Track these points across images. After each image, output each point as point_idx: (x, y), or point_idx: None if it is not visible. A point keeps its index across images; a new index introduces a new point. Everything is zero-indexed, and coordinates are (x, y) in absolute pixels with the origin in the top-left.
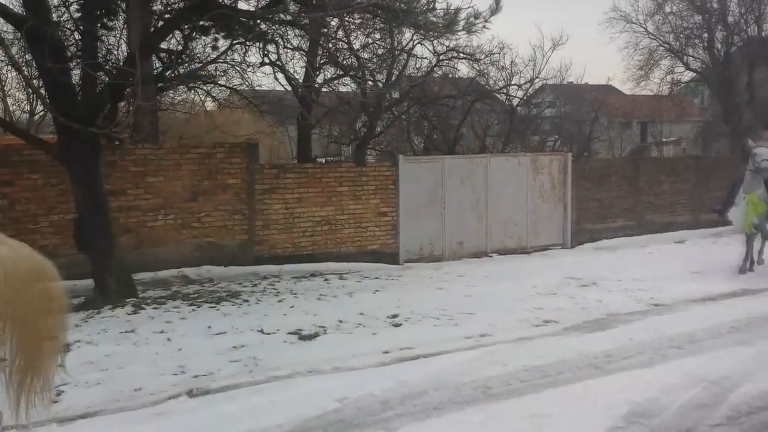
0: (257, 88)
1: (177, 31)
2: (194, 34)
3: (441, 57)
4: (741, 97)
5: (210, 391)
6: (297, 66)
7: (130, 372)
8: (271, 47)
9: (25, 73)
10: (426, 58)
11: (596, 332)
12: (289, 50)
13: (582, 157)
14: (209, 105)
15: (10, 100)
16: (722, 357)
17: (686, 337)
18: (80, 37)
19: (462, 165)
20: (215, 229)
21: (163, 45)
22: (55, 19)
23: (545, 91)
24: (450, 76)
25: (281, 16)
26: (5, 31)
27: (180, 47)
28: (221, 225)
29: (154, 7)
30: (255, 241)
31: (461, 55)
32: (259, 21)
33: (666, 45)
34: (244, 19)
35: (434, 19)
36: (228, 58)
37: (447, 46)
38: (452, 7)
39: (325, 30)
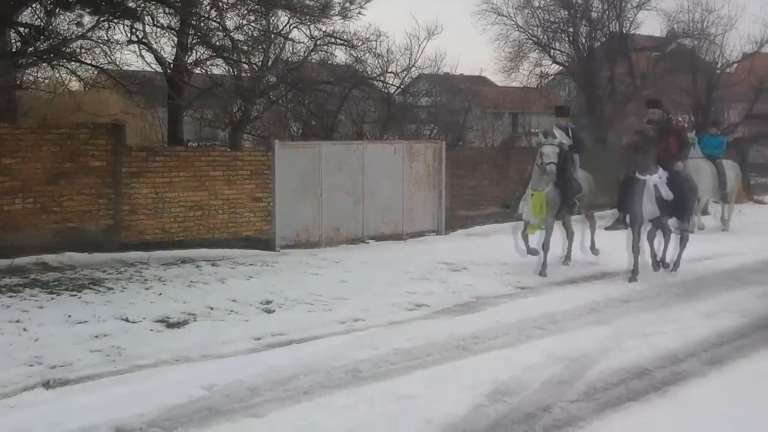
0: (126, 68)
1: (38, 5)
2: (57, 10)
3: (317, 42)
4: (603, 91)
5: (68, 382)
6: (167, 46)
7: None
8: (138, 25)
9: None
10: (302, 42)
11: (465, 315)
12: (158, 29)
13: (456, 146)
14: (74, 85)
15: None
16: (581, 336)
17: (548, 318)
18: None
19: (339, 151)
20: (78, 213)
21: (24, 20)
22: None
23: (421, 80)
24: (327, 62)
25: None
26: None
27: (41, 22)
28: (84, 210)
29: None
30: (121, 226)
31: (338, 41)
32: None
33: (534, 38)
34: None
35: (309, 3)
36: (94, 36)
37: (323, 32)
38: None
39: (197, 9)
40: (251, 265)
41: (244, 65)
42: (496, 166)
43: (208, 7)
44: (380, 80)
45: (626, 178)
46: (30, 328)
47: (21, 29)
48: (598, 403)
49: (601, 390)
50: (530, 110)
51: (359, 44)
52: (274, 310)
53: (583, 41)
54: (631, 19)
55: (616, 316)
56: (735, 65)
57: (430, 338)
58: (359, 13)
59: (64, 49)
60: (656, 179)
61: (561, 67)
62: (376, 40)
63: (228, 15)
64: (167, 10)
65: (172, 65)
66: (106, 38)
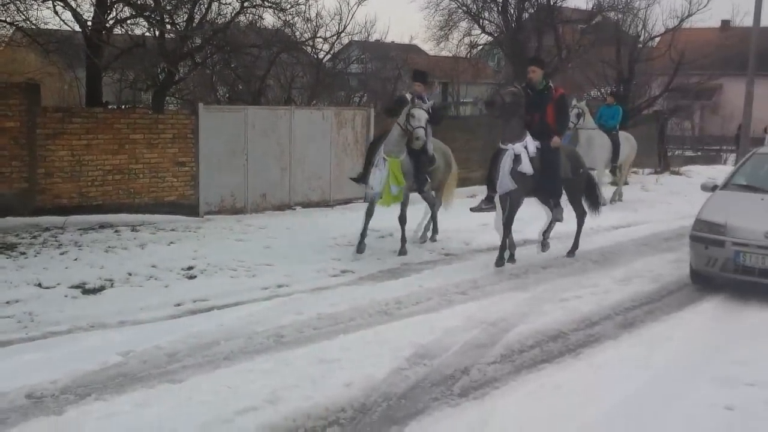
0: (43, 26)
1: None
2: None
3: (245, 3)
4: None
5: None
6: (85, 3)
7: None
8: None
9: None
10: (229, 4)
11: (389, 281)
12: None
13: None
14: None
15: None
16: (501, 301)
17: (470, 284)
18: None
19: (266, 116)
20: None
21: None
22: None
23: (352, 47)
24: (255, 24)
25: None
26: None
27: None
28: None
29: None
30: (36, 190)
31: (266, 2)
32: None
33: (464, 8)
34: None
35: None
36: None
37: None
38: None
39: None
40: (173, 230)
41: (168, 26)
42: None
43: None
44: (309, 45)
45: (496, 151)
46: None
47: None
48: (515, 364)
49: (517, 352)
50: (459, 79)
51: (288, 7)
52: (195, 276)
53: (512, 11)
54: None
55: (536, 282)
56: (657, 39)
57: (354, 303)
58: None
59: None
60: (520, 149)
61: (490, 38)
62: (305, 4)
63: None
64: None
65: (90, 24)
66: None
